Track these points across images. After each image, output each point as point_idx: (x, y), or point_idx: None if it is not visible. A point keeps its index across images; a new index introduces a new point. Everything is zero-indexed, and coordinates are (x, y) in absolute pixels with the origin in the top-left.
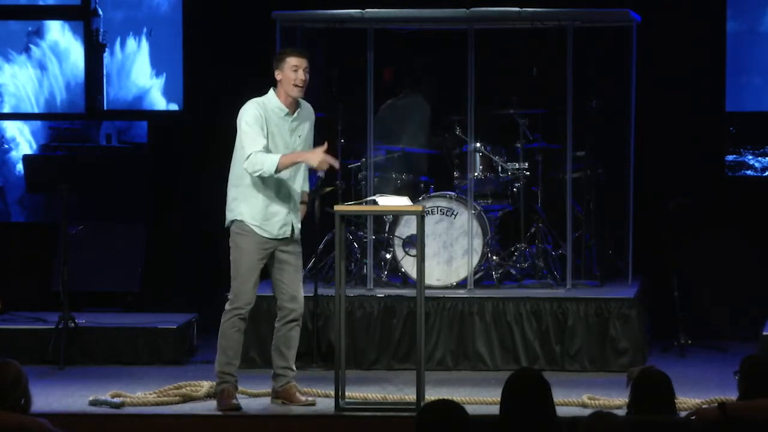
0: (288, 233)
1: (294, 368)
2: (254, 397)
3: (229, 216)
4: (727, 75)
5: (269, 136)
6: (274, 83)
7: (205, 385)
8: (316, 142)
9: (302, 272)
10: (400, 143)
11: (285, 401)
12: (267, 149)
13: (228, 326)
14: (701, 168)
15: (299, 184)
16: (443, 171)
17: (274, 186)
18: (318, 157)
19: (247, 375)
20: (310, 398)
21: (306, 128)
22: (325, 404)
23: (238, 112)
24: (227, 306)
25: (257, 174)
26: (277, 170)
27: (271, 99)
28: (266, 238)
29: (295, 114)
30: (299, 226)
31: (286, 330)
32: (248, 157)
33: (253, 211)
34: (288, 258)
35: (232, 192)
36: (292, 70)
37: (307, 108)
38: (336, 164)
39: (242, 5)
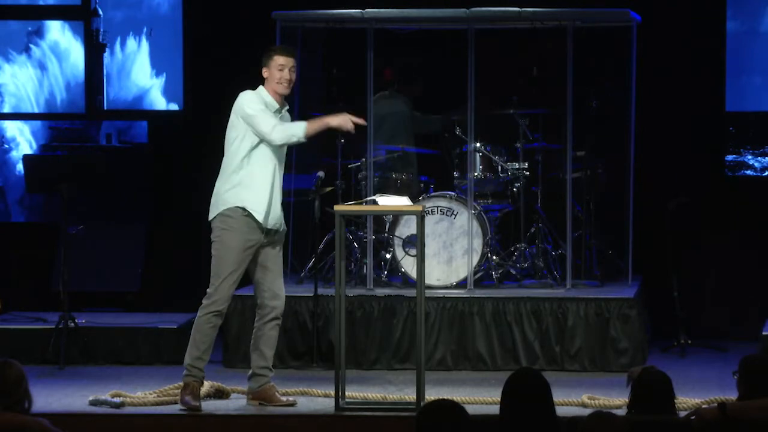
0: (279, 226)
1: (272, 368)
2: None
3: (221, 206)
4: (727, 75)
5: None
6: (262, 80)
7: (206, 385)
8: (313, 143)
9: (282, 270)
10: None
11: (263, 402)
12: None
13: (203, 321)
14: (701, 168)
15: (281, 182)
16: (443, 171)
17: (272, 177)
18: (340, 117)
19: (246, 375)
20: (290, 398)
21: None
22: (325, 404)
23: (236, 102)
24: (204, 301)
25: (290, 140)
26: (306, 134)
27: (263, 94)
28: (259, 227)
29: (283, 111)
30: (282, 221)
31: (267, 329)
32: (272, 130)
33: (259, 197)
34: (272, 254)
35: (232, 179)
36: (278, 69)
37: (285, 107)
38: (361, 121)
39: (242, 5)
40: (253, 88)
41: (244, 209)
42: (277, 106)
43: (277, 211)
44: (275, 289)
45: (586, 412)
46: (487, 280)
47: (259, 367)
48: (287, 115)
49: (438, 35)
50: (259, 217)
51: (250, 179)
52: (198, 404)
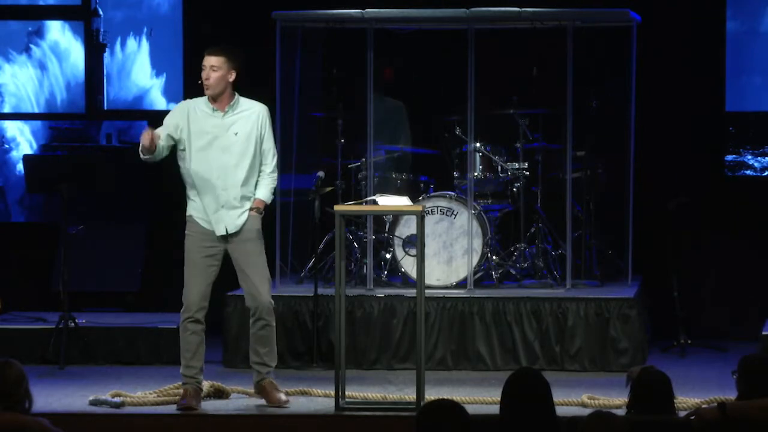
0: (225, 230)
1: (270, 364)
2: (253, 397)
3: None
4: (727, 75)
5: (195, 134)
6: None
7: (205, 385)
8: (313, 143)
9: (263, 269)
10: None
11: (262, 397)
12: (166, 140)
13: (182, 329)
14: (701, 168)
15: (233, 184)
16: (443, 171)
17: (203, 184)
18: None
19: (247, 375)
20: (285, 397)
21: (246, 126)
22: (325, 404)
23: None
24: (181, 311)
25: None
26: (141, 152)
27: (203, 99)
28: (211, 232)
29: (227, 111)
30: (239, 223)
31: (256, 329)
32: None
33: (196, 206)
34: (245, 256)
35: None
36: (202, 69)
37: (251, 107)
38: (151, 138)
39: (242, 5)
40: (256, 89)
41: (190, 218)
42: (212, 107)
43: (227, 216)
44: (252, 290)
45: (586, 412)
46: (487, 280)
47: (254, 362)
48: (246, 114)
49: (438, 35)
50: (203, 224)
51: (188, 190)
52: (190, 404)
